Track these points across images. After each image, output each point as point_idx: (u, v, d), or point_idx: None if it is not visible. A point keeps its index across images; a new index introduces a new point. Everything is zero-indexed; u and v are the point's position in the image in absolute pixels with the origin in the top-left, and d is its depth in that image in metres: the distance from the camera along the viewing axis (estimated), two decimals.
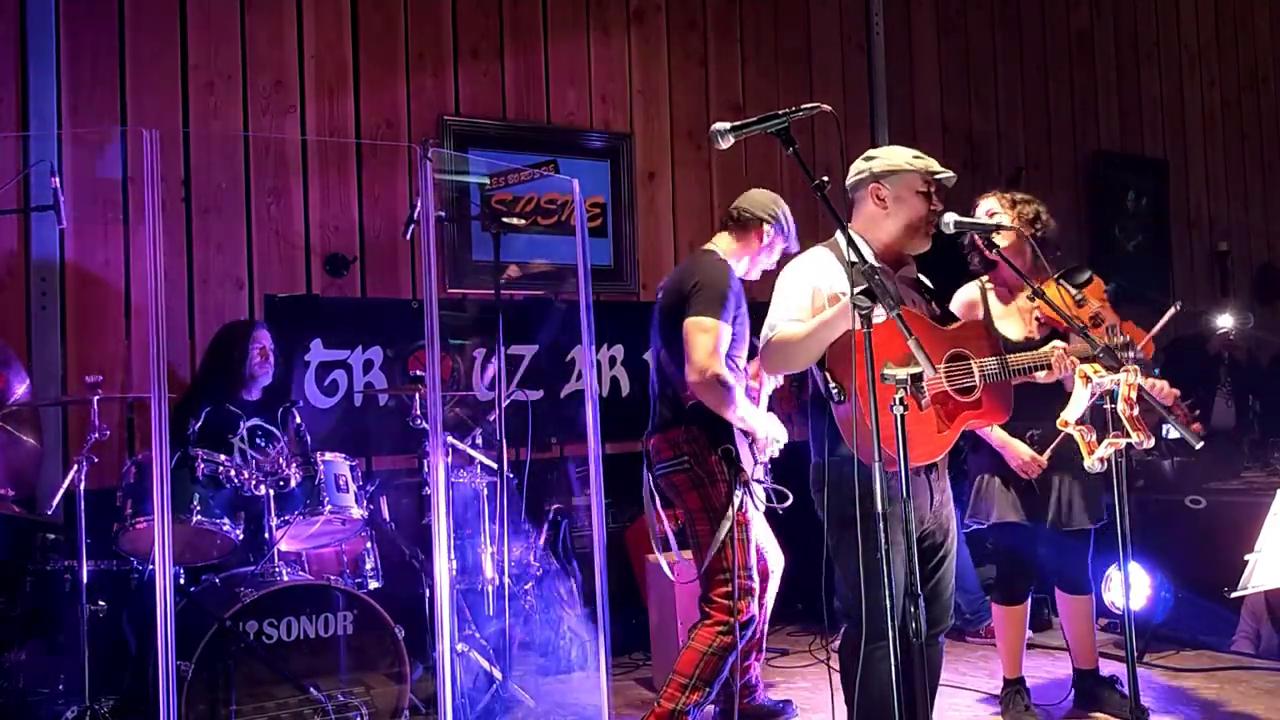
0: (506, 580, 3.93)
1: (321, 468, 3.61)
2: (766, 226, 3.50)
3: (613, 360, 5.40)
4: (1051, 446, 3.43)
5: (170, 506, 2.73)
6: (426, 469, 4.02)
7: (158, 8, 4.50)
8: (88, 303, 4.29)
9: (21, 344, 4.11)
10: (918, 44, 6.79)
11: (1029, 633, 4.25)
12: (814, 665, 4.58)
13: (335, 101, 4.87)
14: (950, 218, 2.82)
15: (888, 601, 2.22)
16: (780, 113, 2.31)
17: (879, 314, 2.23)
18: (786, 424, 3.42)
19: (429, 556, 3.61)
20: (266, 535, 3.55)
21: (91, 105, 4.35)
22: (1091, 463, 2.68)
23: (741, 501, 3.20)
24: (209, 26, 4.60)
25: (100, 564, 3.44)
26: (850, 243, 2.25)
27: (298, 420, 3.85)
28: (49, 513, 3.53)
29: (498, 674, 3.86)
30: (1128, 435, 2.66)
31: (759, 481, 3.28)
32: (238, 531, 3.53)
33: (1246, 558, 3.09)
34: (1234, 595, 3.18)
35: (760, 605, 3.42)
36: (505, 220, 4.25)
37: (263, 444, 3.91)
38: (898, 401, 2.16)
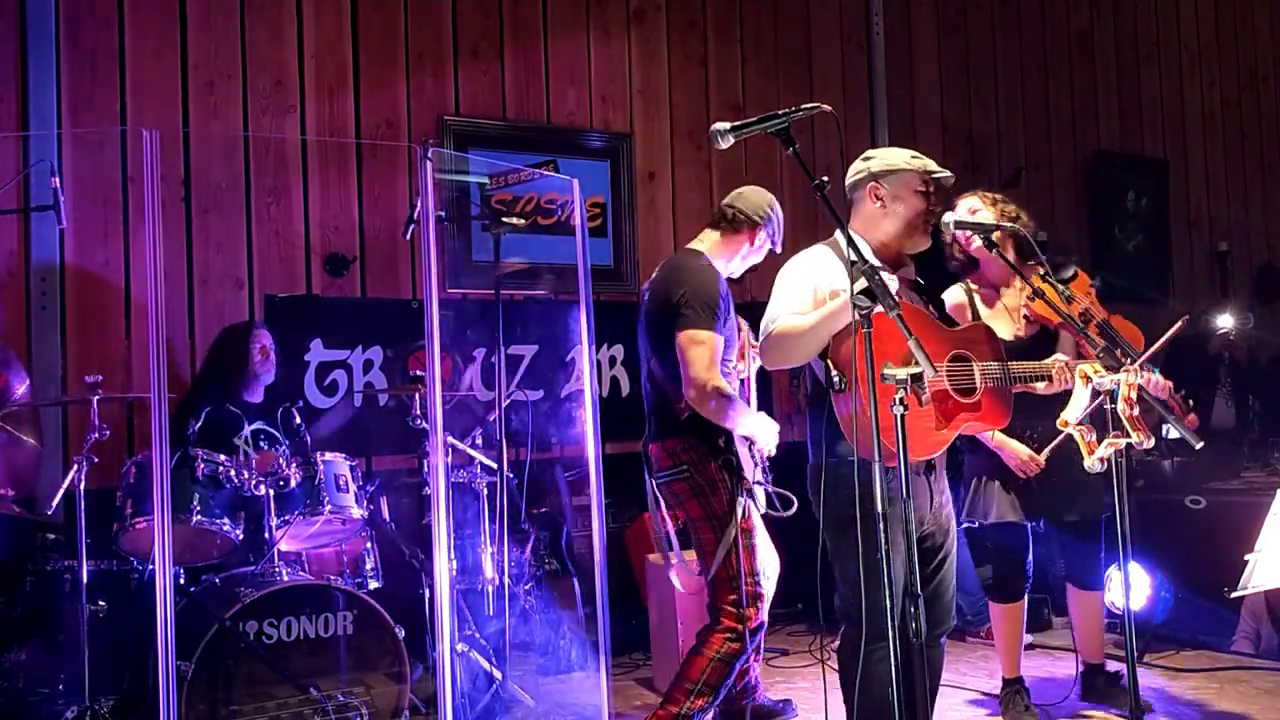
0: (506, 580, 3.93)
1: (321, 468, 3.61)
2: (760, 231, 3.40)
3: (613, 360, 5.40)
4: (1050, 446, 3.43)
5: (170, 506, 2.73)
6: (426, 469, 4.02)
7: (158, 8, 4.50)
8: (88, 303, 4.29)
9: (21, 344, 4.12)
10: (918, 44, 6.79)
11: (1027, 636, 4.25)
12: (814, 665, 4.58)
13: (335, 101, 4.87)
14: (950, 218, 2.82)
15: (887, 602, 2.22)
16: (780, 113, 2.32)
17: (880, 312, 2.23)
18: (786, 424, 3.41)
19: (429, 556, 3.61)
20: (266, 535, 3.55)
21: (91, 105, 4.35)
22: (1091, 463, 2.68)
23: (745, 509, 3.17)
24: (209, 26, 4.60)
25: (100, 564, 3.43)
26: (850, 242, 2.25)
27: (298, 420, 3.85)
28: (49, 513, 3.53)
29: (498, 674, 3.86)
30: (1128, 435, 2.66)
31: (759, 484, 3.27)
32: (238, 531, 3.53)
33: (1246, 558, 3.09)
34: (1234, 595, 3.18)
35: None
36: (505, 220, 4.25)
37: (265, 446, 3.91)
38: (898, 401, 2.16)
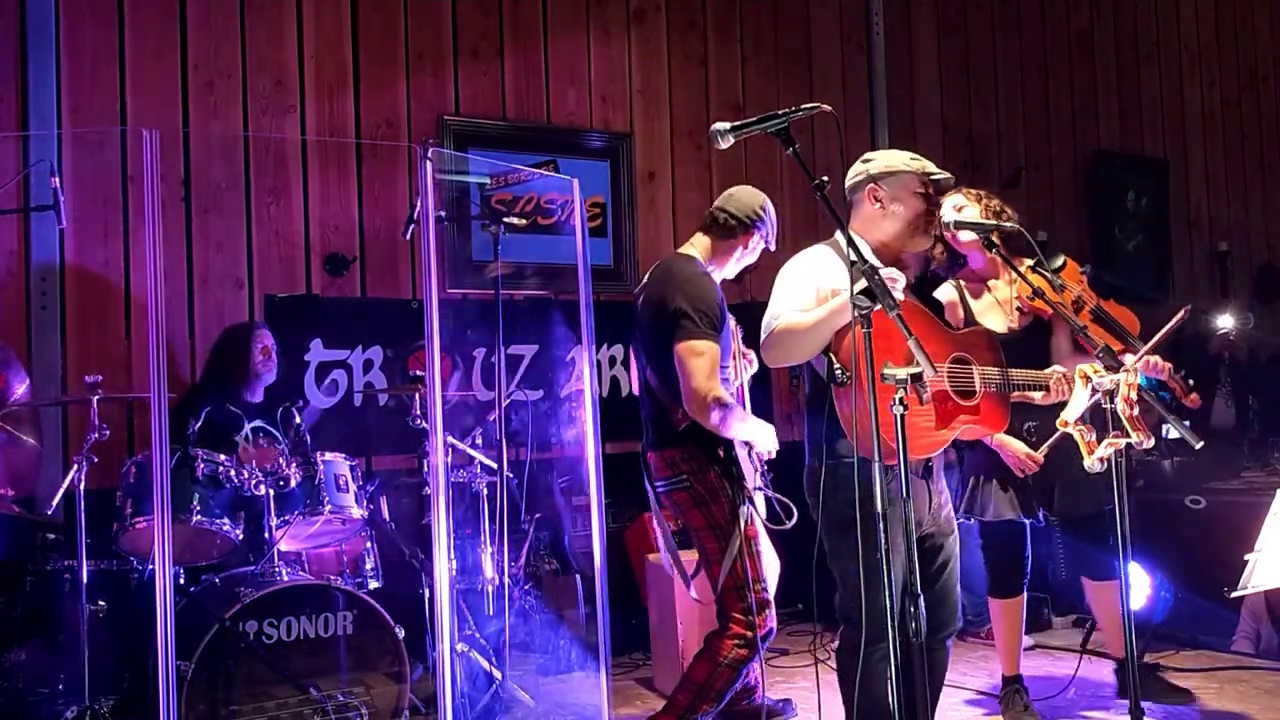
0: (506, 580, 3.94)
1: (321, 468, 3.61)
2: (753, 234, 3.34)
3: (613, 360, 5.41)
4: (1048, 443, 3.43)
5: (170, 506, 2.73)
6: (426, 469, 4.02)
7: (158, 8, 4.51)
8: (88, 303, 4.30)
9: (21, 344, 4.12)
10: (918, 44, 6.79)
11: (1028, 638, 4.26)
12: (814, 665, 4.57)
13: (335, 101, 4.87)
14: (951, 218, 2.81)
15: (887, 602, 2.22)
16: (780, 113, 2.32)
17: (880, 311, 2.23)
18: (786, 424, 3.40)
19: (429, 556, 3.61)
20: (266, 535, 3.55)
21: (91, 105, 4.35)
22: (1091, 463, 2.68)
23: (748, 517, 3.15)
24: (209, 26, 4.60)
25: (100, 564, 3.44)
26: (850, 242, 2.25)
27: (298, 420, 3.85)
28: (49, 513, 3.53)
29: (498, 674, 3.86)
30: (1127, 435, 2.66)
31: (759, 489, 3.25)
32: (237, 531, 3.53)
33: (1246, 558, 3.09)
34: (1234, 595, 3.18)
35: None
36: (505, 220, 4.24)
37: (265, 445, 3.91)
38: (898, 401, 2.16)
